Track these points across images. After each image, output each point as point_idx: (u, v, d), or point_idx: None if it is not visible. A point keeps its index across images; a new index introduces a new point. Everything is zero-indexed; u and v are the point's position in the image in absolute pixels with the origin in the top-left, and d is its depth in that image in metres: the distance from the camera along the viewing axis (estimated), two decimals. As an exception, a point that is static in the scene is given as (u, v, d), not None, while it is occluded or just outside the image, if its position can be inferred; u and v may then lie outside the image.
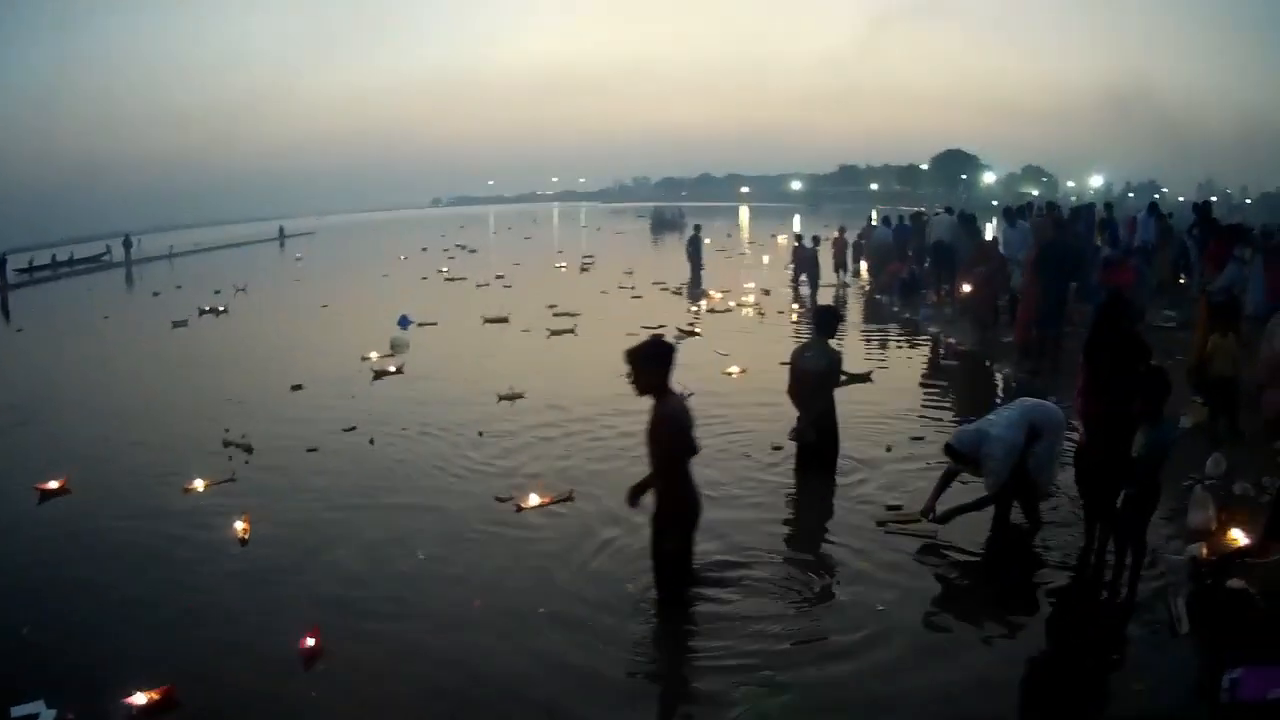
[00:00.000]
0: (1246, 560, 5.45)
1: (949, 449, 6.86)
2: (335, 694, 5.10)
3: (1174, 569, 5.97)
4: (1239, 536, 6.08)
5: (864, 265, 26.05)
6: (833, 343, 8.44)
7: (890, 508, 7.40)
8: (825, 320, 8.51)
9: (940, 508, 6.95)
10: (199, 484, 8.56)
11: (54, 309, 28.67)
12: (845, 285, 24.63)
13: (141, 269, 42.50)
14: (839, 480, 8.18)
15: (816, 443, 8.17)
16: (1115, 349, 6.03)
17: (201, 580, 6.60)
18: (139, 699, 4.89)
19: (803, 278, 23.15)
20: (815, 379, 8.06)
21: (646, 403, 5.45)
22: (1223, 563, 5.51)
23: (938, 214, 22.64)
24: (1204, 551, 5.97)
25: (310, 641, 5.45)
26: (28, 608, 6.30)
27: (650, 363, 5.35)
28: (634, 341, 5.53)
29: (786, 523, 7.58)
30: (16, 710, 4.86)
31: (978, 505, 6.86)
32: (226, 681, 5.23)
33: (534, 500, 7.78)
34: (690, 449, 5.44)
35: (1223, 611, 5.25)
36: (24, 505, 8.39)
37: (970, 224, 18.24)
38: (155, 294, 28.51)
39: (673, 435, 5.33)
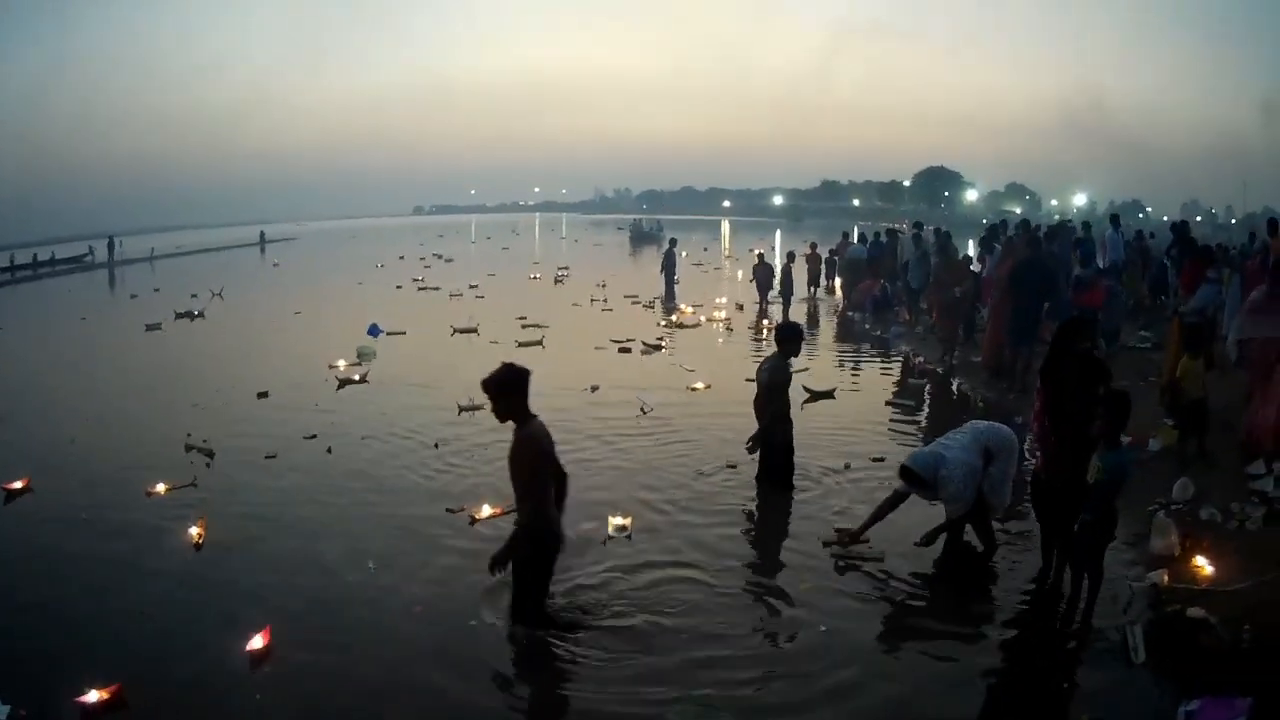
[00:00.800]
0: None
1: (905, 470, 6.70)
2: (279, 697, 5.12)
3: (1132, 596, 5.87)
4: (1203, 564, 6.00)
5: (838, 282, 26.05)
6: (797, 360, 8.44)
7: (839, 529, 7.26)
8: (781, 337, 8.47)
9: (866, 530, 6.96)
10: (160, 487, 8.54)
11: (33, 309, 28.52)
12: (818, 301, 24.64)
13: (123, 271, 42.36)
14: (793, 497, 8.17)
15: (763, 456, 8.34)
16: (1074, 368, 5.93)
17: (156, 582, 6.62)
18: (90, 697, 4.92)
19: (773, 294, 23.08)
20: (762, 392, 8.22)
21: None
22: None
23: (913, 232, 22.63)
24: (1165, 579, 5.86)
25: (258, 644, 5.49)
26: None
27: (506, 389, 5.35)
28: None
29: (733, 540, 7.45)
30: None
31: (950, 526, 6.73)
32: (175, 682, 5.23)
33: (486, 511, 7.74)
34: (555, 471, 5.44)
35: (1181, 640, 5.16)
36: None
37: (945, 241, 17.97)
38: (133, 296, 28.40)
39: (533, 457, 5.31)
